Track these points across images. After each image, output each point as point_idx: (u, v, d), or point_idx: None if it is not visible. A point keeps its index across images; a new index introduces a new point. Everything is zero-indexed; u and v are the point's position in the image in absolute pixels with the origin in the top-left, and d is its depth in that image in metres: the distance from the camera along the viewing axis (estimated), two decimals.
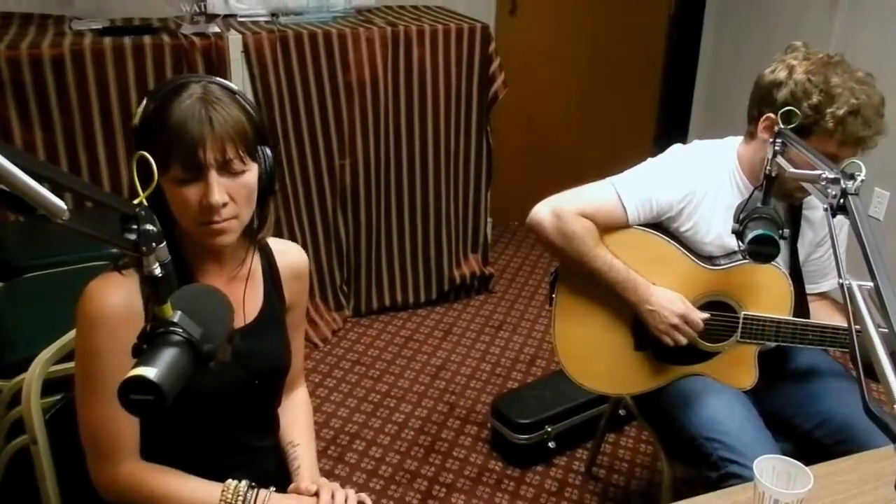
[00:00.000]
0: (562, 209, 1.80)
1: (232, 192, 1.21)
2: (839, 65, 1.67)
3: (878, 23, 3.34)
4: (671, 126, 4.56)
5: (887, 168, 3.32)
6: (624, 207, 1.78)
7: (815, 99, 1.62)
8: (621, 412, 2.65)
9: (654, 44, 4.47)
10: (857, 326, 0.95)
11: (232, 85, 1.26)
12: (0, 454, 2.00)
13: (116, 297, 1.21)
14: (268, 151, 1.27)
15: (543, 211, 1.82)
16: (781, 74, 1.69)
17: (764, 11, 3.97)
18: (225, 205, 1.20)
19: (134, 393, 0.87)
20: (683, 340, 1.78)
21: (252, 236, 1.35)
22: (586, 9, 4.18)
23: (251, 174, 1.24)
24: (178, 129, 1.16)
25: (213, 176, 1.18)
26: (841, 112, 1.60)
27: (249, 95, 2.88)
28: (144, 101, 1.21)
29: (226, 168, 1.20)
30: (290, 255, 1.48)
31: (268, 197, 1.31)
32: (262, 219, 1.34)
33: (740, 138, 1.85)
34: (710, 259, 1.83)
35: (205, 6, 3.01)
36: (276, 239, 1.49)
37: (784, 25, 3.81)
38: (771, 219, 1.51)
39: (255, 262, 1.41)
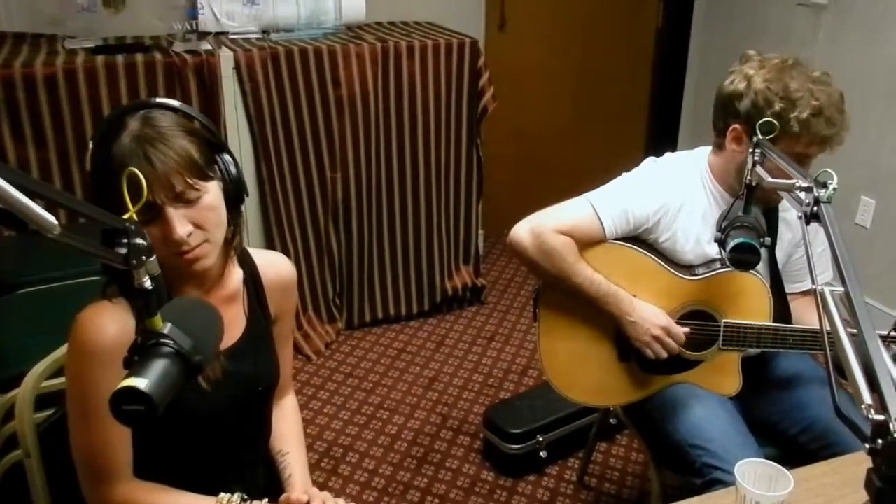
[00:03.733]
0: (540, 227, 1.81)
1: (196, 220, 1.20)
2: (795, 68, 1.71)
3: (862, 33, 3.39)
4: (661, 138, 4.60)
5: (873, 176, 3.36)
6: (600, 222, 1.80)
7: (777, 106, 1.65)
8: (612, 421, 2.67)
9: (642, 57, 4.51)
10: (829, 330, 0.98)
11: (173, 103, 1.23)
12: None
13: (110, 328, 1.20)
14: (227, 158, 1.26)
15: (522, 230, 1.84)
16: (741, 86, 1.72)
17: (750, 24, 4.03)
18: (190, 234, 1.19)
19: (125, 403, 0.89)
20: (664, 354, 1.80)
21: (228, 248, 1.33)
22: (574, 23, 4.23)
23: (210, 195, 1.22)
24: (122, 168, 1.10)
25: (170, 212, 1.17)
26: (804, 115, 1.63)
27: (241, 111, 2.94)
28: (90, 145, 1.20)
29: (180, 200, 1.18)
30: (274, 266, 1.46)
31: (239, 205, 1.29)
32: (235, 227, 1.32)
33: (709, 148, 1.88)
34: (688, 269, 1.85)
35: (196, 24, 3.04)
36: (260, 250, 1.47)
37: (770, 38, 3.86)
38: (752, 227, 1.54)
39: (238, 278, 1.39)
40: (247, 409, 1.41)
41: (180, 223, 1.18)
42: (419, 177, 3.35)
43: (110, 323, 1.21)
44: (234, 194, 1.27)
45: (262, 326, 1.43)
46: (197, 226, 1.20)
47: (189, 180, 1.18)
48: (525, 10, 4.07)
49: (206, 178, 1.22)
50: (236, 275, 1.39)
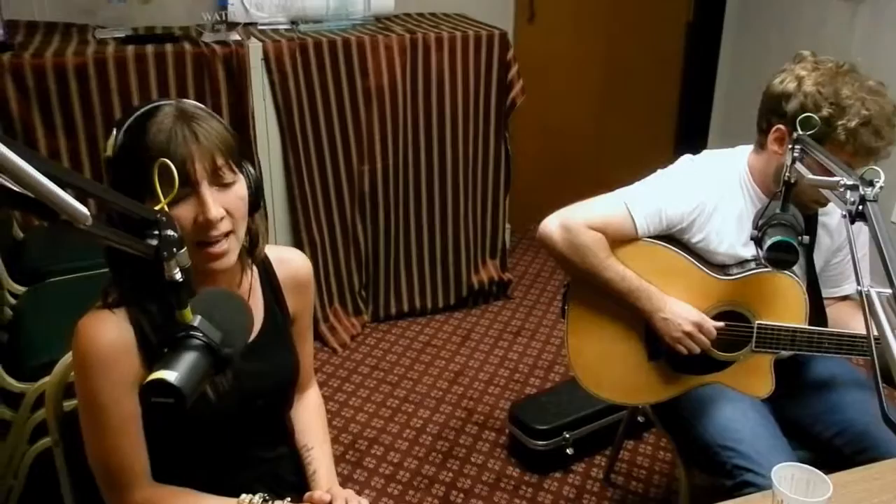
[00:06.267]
0: (571, 222, 1.79)
1: (226, 206, 1.18)
2: (849, 74, 1.65)
3: None
4: (690, 134, 4.54)
5: None
6: (633, 220, 1.77)
7: (825, 111, 1.60)
8: (640, 419, 2.64)
9: (673, 51, 4.45)
10: (876, 334, 0.95)
11: (201, 105, 1.23)
12: (24, 455, 2.03)
13: (107, 335, 1.19)
14: (250, 168, 1.25)
15: (552, 224, 1.81)
16: (790, 86, 1.67)
17: (784, 18, 3.95)
18: (222, 218, 1.18)
19: (155, 395, 0.88)
20: (697, 349, 1.77)
21: (247, 254, 1.32)
22: (604, 16, 4.18)
23: (241, 186, 1.22)
24: (164, 149, 1.12)
25: (206, 189, 1.16)
26: (852, 124, 1.58)
27: (269, 102, 2.95)
28: (114, 132, 1.18)
29: (216, 180, 1.17)
30: (290, 263, 1.44)
31: (254, 213, 1.28)
32: (254, 235, 1.30)
33: (750, 147, 1.84)
34: (722, 269, 1.82)
35: (225, 15, 3.04)
36: (275, 246, 1.44)
37: (804, 32, 3.79)
38: (790, 225, 1.51)
39: (254, 277, 1.38)
40: (265, 407, 1.39)
41: (215, 204, 1.16)
42: (447, 170, 3.33)
43: (107, 330, 1.19)
44: (253, 201, 1.26)
45: (280, 324, 1.41)
46: (228, 213, 1.19)
47: (229, 161, 1.18)
48: (554, 3, 4.03)
49: (239, 167, 1.22)
50: (252, 272, 1.37)
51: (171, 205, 1.12)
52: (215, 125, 1.19)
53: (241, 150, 1.25)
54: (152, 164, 1.07)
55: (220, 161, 1.17)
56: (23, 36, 2.89)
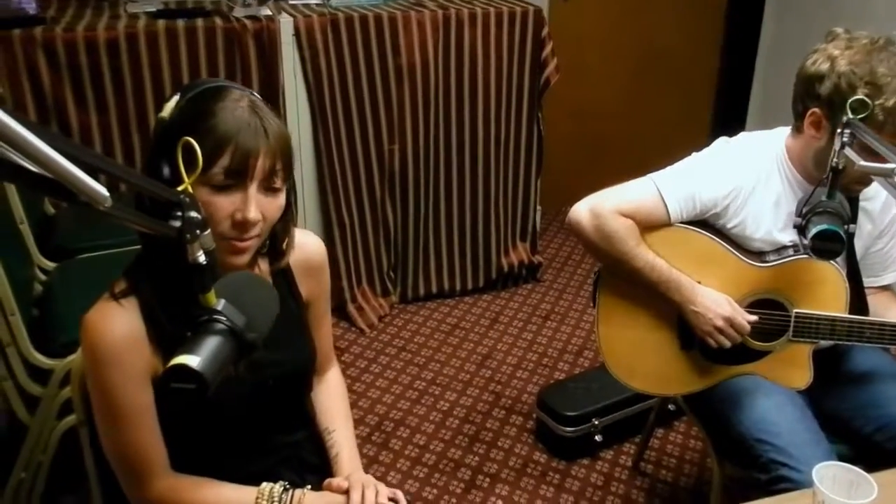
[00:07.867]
0: (600, 208, 1.74)
1: (265, 211, 1.17)
2: (885, 50, 1.55)
3: None
4: (728, 117, 4.43)
5: None
6: (665, 205, 1.72)
7: (860, 92, 1.51)
8: (670, 407, 2.60)
9: (712, 31, 4.34)
10: None
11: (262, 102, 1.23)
12: (52, 431, 2.04)
13: (116, 327, 1.17)
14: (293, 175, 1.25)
15: (582, 210, 1.76)
16: (823, 67, 1.58)
17: None
18: (258, 222, 1.16)
19: (176, 381, 0.86)
20: (728, 344, 1.72)
21: (272, 255, 1.32)
22: None
23: (283, 196, 1.21)
24: (232, 134, 1.12)
25: (253, 190, 1.15)
26: (890, 103, 1.50)
27: (300, 78, 2.93)
28: (177, 97, 1.17)
29: (267, 183, 1.16)
30: (303, 248, 1.40)
31: (284, 217, 1.27)
32: (279, 241, 1.30)
33: (789, 128, 1.76)
34: (758, 255, 1.76)
35: None
36: None
37: (849, 11, 3.66)
38: (836, 213, 1.44)
39: (266, 265, 1.35)
40: (280, 395, 1.37)
41: (255, 206, 1.15)
42: (478, 150, 3.28)
43: (115, 323, 1.17)
44: (286, 207, 1.25)
45: (294, 311, 1.38)
46: (263, 217, 1.17)
47: (284, 170, 1.18)
48: None
49: (288, 177, 1.21)
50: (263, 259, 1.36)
51: (217, 190, 1.13)
52: (281, 125, 1.18)
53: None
54: (219, 144, 1.09)
55: (278, 165, 1.16)
56: (55, 10, 2.88)
